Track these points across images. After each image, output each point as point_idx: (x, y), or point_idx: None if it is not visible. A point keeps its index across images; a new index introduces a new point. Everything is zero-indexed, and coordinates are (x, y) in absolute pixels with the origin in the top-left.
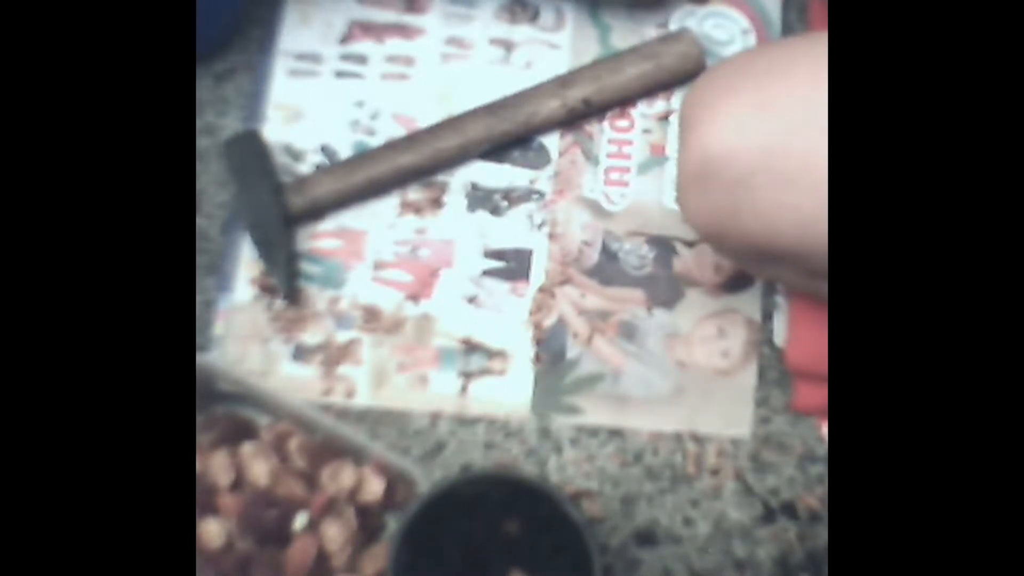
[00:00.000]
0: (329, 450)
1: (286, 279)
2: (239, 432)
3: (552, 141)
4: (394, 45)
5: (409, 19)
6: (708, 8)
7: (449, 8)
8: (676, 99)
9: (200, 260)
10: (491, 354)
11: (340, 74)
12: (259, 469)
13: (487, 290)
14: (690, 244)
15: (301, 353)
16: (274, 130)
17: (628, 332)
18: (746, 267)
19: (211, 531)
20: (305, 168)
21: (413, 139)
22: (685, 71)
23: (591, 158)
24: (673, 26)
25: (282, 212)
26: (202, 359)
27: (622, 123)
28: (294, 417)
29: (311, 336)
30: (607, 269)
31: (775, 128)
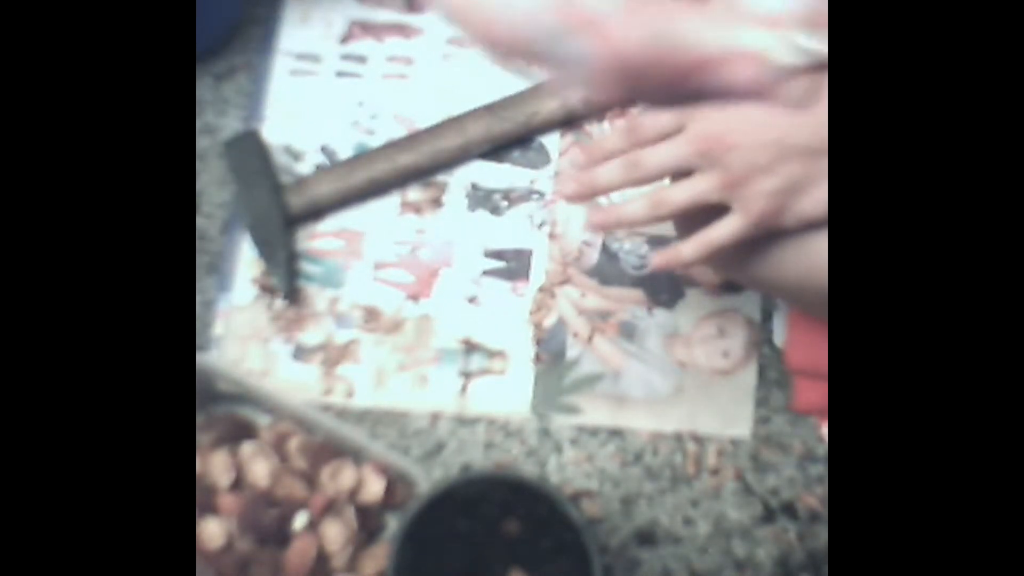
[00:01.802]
0: (329, 450)
1: (286, 279)
2: (239, 432)
3: (552, 141)
4: (394, 45)
5: (409, 19)
6: None
7: None
8: None
9: (200, 260)
10: (491, 354)
11: (340, 74)
12: (259, 469)
13: (487, 290)
14: None
15: (301, 353)
16: (274, 130)
17: (628, 332)
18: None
19: (211, 531)
20: (305, 168)
21: (413, 139)
22: None
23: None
24: None
25: (282, 212)
26: (202, 359)
27: (622, 123)
28: (294, 417)
29: (311, 336)
30: (607, 269)
31: None
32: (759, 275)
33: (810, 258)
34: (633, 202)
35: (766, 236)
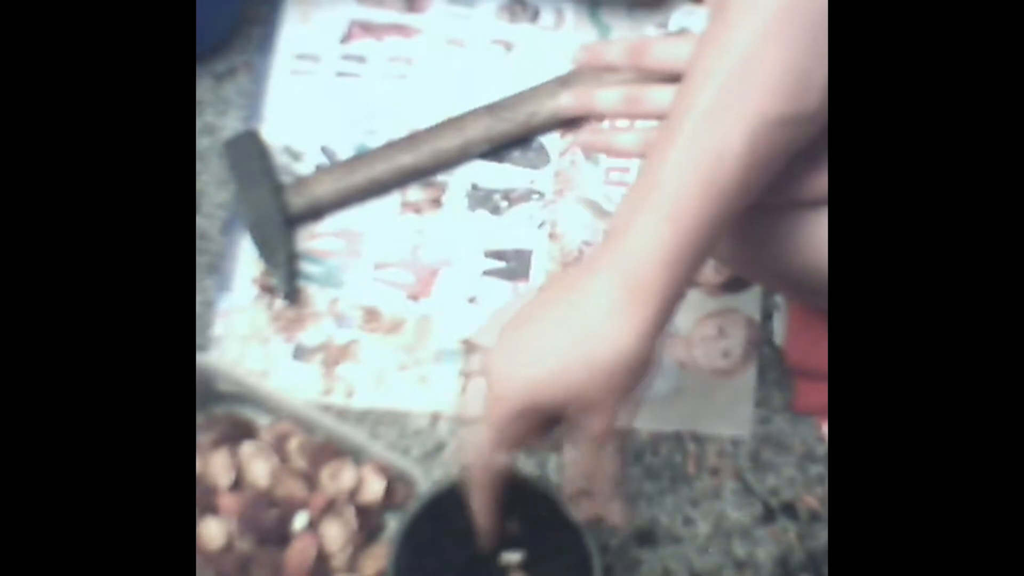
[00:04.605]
0: (329, 450)
1: (286, 279)
2: (239, 432)
3: (552, 141)
4: (394, 45)
5: (409, 19)
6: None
7: (449, 8)
8: None
9: (200, 260)
10: None
11: (340, 74)
12: (259, 469)
13: (487, 290)
14: None
15: (301, 353)
16: (274, 130)
17: None
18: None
19: (211, 531)
20: (305, 168)
21: (413, 139)
22: None
23: (591, 158)
24: (673, 26)
25: (282, 212)
26: (202, 359)
27: (622, 123)
28: (294, 417)
29: (311, 336)
30: None
31: None
32: (760, 261)
33: (812, 243)
34: (626, 133)
35: (767, 221)
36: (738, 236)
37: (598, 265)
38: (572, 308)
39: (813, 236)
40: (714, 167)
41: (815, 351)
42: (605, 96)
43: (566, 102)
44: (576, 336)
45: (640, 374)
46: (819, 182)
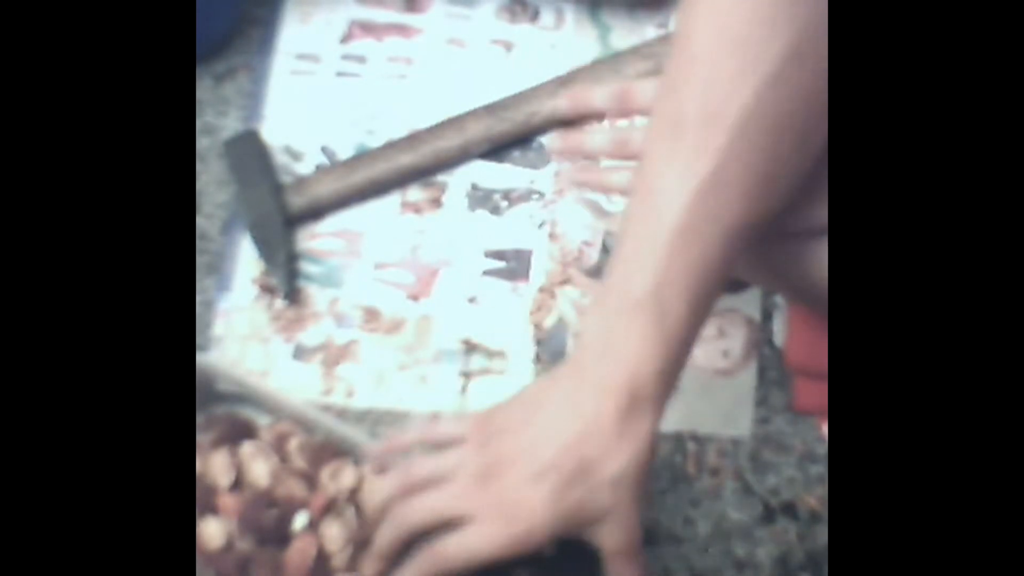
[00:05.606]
0: (329, 450)
1: (286, 279)
2: (239, 432)
3: (552, 141)
4: (394, 45)
5: (409, 19)
6: None
7: (449, 8)
8: None
9: (200, 260)
10: (491, 354)
11: (340, 74)
12: (259, 469)
13: (487, 290)
14: None
15: (301, 353)
16: (274, 130)
17: None
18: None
19: (211, 531)
20: (305, 168)
21: (413, 139)
22: None
23: (588, 168)
24: (673, 26)
25: (282, 212)
26: (202, 359)
27: (622, 123)
28: (294, 417)
29: (311, 336)
30: (607, 269)
31: None
32: (763, 279)
33: (816, 266)
34: (621, 172)
35: (772, 244)
36: (742, 260)
37: (592, 379)
38: (575, 429)
39: (817, 260)
40: (698, 279)
41: (815, 351)
42: (595, 138)
43: (557, 146)
44: (586, 457)
45: (648, 475)
46: (822, 214)
